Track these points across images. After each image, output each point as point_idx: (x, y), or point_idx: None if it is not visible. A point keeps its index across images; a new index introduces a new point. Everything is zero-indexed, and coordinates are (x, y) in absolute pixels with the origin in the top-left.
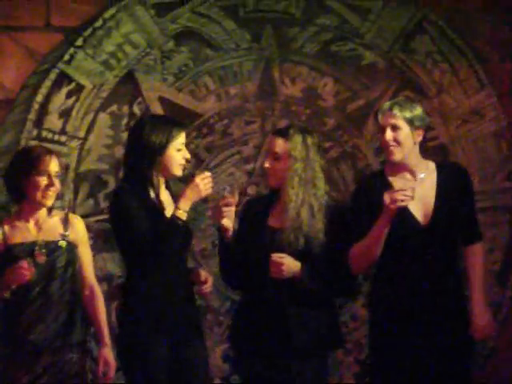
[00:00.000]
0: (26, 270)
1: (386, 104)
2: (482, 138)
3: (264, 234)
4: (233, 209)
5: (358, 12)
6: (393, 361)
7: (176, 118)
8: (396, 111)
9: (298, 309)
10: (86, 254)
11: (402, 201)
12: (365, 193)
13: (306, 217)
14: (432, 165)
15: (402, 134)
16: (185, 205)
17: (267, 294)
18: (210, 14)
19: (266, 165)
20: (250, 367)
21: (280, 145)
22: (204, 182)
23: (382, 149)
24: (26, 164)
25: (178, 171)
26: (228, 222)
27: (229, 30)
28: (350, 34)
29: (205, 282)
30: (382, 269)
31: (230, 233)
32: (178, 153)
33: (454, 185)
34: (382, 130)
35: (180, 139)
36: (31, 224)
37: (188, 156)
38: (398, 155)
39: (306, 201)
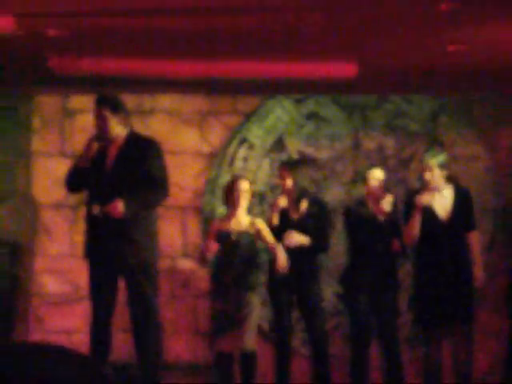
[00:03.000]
0: (214, 245)
1: (425, 155)
2: (478, 171)
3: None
4: None
5: (407, 101)
6: (431, 298)
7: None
8: (429, 159)
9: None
10: (265, 234)
11: (422, 203)
12: (410, 199)
13: None
14: (450, 187)
15: (435, 173)
16: None
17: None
18: (325, 103)
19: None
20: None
21: None
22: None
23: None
24: (229, 186)
25: None
26: None
27: (335, 111)
28: (402, 113)
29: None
30: (422, 246)
31: None
32: None
33: (462, 198)
34: (424, 170)
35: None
36: (232, 220)
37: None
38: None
39: None
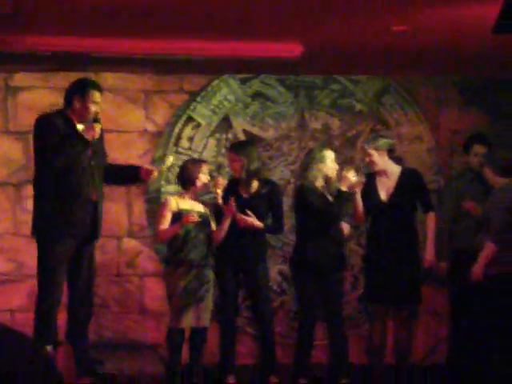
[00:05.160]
0: (193, 217)
1: (364, 143)
2: (421, 151)
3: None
4: None
5: (352, 81)
6: (376, 278)
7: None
8: (366, 145)
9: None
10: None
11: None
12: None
13: None
14: (398, 168)
15: (373, 157)
16: None
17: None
18: (270, 83)
19: None
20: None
21: None
22: None
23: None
24: (187, 167)
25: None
26: None
27: (281, 91)
28: (347, 93)
29: None
30: (370, 226)
31: None
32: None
33: (407, 179)
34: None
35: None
36: (189, 200)
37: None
38: (374, 168)
39: None
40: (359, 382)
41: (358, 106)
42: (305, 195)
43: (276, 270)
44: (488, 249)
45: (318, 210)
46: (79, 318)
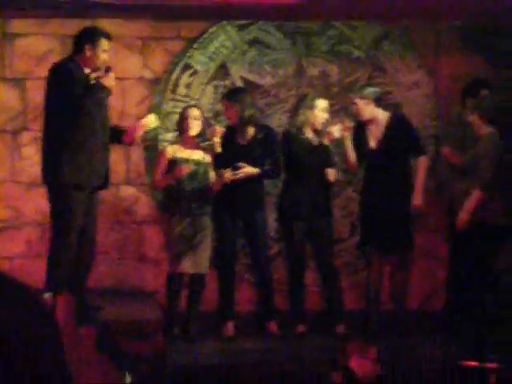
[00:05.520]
0: (185, 168)
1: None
2: (419, 97)
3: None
4: None
5: (350, 27)
6: (369, 224)
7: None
8: (352, 95)
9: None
10: (211, 169)
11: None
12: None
13: None
14: (386, 114)
15: (359, 106)
16: None
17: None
18: (268, 29)
19: None
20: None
21: None
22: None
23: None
24: (181, 115)
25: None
26: None
27: (279, 38)
28: (345, 39)
29: None
30: (364, 173)
31: None
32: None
33: (397, 126)
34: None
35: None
36: (187, 148)
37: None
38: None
39: None
40: (357, 328)
41: (356, 53)
42: (289, 142)
43: (273, 216)
44: (475, 196)
45: (300, 157)
46: (80, 266)
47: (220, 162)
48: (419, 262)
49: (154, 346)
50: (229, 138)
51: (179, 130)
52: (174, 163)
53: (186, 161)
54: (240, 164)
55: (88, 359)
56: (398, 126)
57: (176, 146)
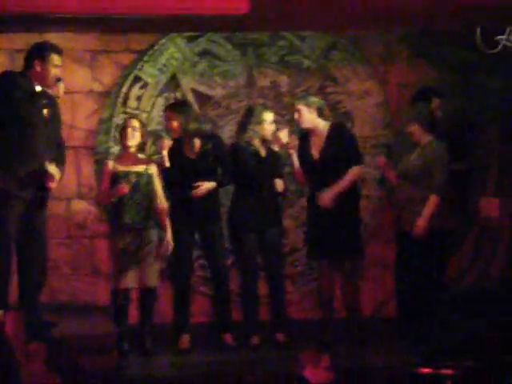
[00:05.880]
0: (125, 187)
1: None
2: (369, 106)
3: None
4: None
5: (299, 37)
6: (317, 233)
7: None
8: (296, 102)
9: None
10: (157, 181)
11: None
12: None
13: None
14: (327, 124)
15: (302, 113)
16: None
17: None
18: (218, 40)
19: None
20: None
21: None
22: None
23: None
24: (122, 126)
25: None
26: None
27: (229, 49)
28: (295, 50)
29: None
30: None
31: None
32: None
33: (336, 134)
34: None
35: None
36: (128, 160)
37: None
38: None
39: None
40: (312, 337)
41: (306, 63)
42: (237, 154)
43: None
44: (432, 202)
45: (249, 169)
46: (31, 283)
47: (170, 176)
48: (371, 270)
49: (107, 360)
50: (175, 150)
51: (120, 142)
52: (116, 177)
53: (128, 174)
54: (197, 184)
55: (38, 375)
56: (337, 135)
57: (117, 159)
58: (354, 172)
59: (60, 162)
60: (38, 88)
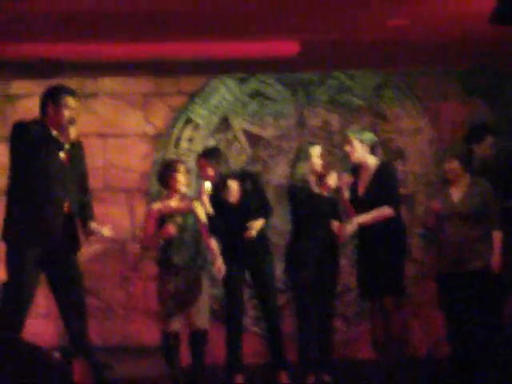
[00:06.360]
0: (172, 228)
1: (348, 131)
2: (421, 144)
3: None
4: None
5: (349, 76)
6: (362, 274)
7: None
8: (351, 135)
9: None
10: (202, 217)
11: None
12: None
13: None
14: (376, 161)
15: (355, 147)
16: None
17: None
18: (268, 81)
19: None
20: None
21: None
22: None
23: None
24: (169, 168)
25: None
26: None
27: (279, 89)
28: (345, 89)
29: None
30: None
31: None
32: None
33: (382, 173)
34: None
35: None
36: (174, 202)
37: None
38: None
39: None
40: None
41: (356, 101)
42: (294, 194)
43: (280, 267)
44: (499, 237)
45: (308, 208)
46: (74, 327)
47: (217, 228)
48: (425, 309)
49: None
50: (215, 196)
51: (165, 184)
52: (162, 219)
53: (173, 215)
54: (249, 225)
55: None
56: (382, 174)
57: (162, 202)
58: (381, 211)
59: (91, 217)
60: (55, 132)
